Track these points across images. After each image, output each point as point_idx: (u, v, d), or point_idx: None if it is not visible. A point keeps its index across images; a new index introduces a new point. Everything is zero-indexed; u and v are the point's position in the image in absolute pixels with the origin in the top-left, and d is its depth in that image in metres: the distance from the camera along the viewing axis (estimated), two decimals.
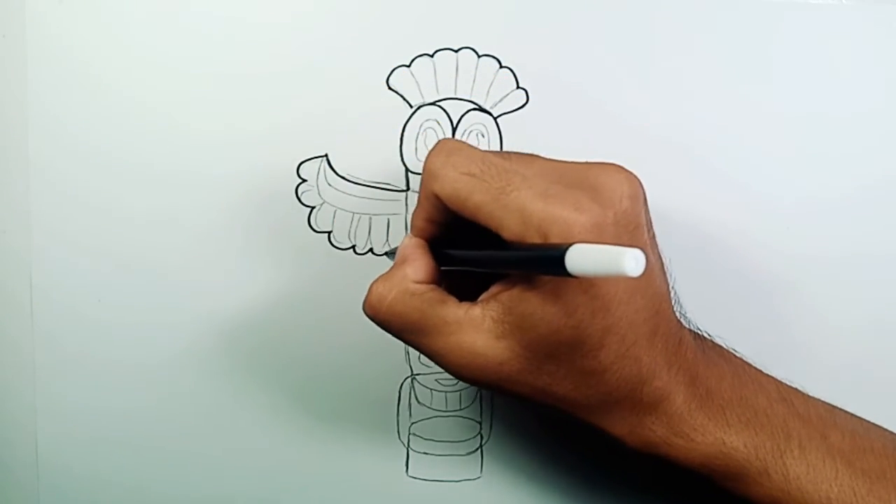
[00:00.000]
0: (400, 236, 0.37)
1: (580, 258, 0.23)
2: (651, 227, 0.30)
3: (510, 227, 0.27)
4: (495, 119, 0.36)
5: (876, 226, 0.38)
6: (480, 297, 0.29)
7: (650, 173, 0.37)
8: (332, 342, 0.37)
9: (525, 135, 0.36)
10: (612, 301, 0.27)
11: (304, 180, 0.36)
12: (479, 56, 0.36)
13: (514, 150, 0.36)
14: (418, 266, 0.30)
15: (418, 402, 0.38)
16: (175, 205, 0.36)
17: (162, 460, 0.38)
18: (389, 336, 0.30)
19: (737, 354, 0.33)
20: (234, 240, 0.36)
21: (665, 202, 0.37)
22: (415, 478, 0.39)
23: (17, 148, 0.35)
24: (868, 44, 0.36)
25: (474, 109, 0.36)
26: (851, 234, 0.38)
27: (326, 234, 0.37)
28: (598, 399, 0.29)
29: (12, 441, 0.38)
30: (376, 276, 0.37)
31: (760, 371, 0.33)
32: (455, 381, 0.38)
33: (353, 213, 0.37)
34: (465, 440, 0.38)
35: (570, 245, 0.24)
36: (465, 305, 0.29)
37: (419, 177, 0.36)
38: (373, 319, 0.30)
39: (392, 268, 0.31)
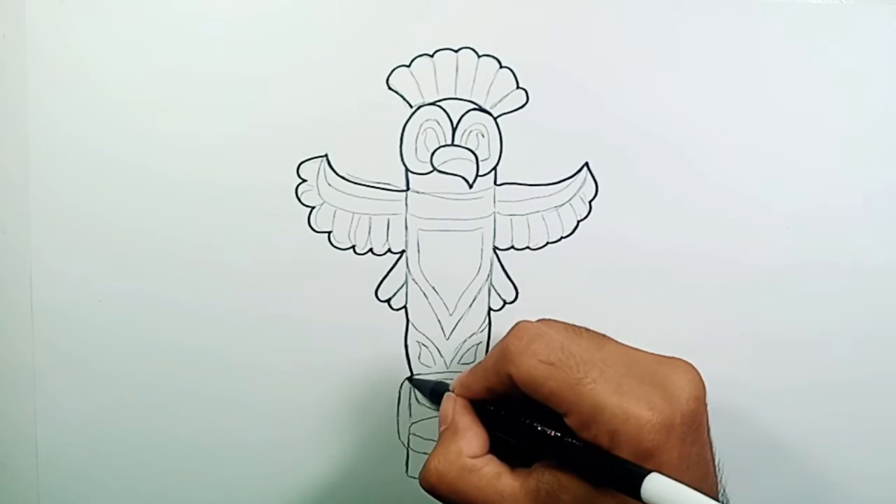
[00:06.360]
0: (400, 236, 0.37)
1: (657, 488, 0.24)
2: (708, 422, 0.31)
3: (579, 414, 0.28)
4: (495, 119, 0.36)
5: (876, 227, 0.38)
6: (535, 466, 0.30)
7: (649, 173, 0.37)
8: (332, 342, 0.37)
9: (525, 135, 0.36)
10: None
11: (304, 180, 0.36)
12: (479, 56, 0.36)
13: (515, 150, 0.36)
14: (472, 439, 0.31)
15: (418, 402, 0.38)
16: (174, 205, 0.36)
17: (162, 461, 0.38)
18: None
19: None
20: (233, 239, 0.36)
21: (664, 201, 0.37)
22: (415, 478, 0.39)
23: (17, 148, 0.35)
24: (868, 44, 0.36)
25: (474, 109, 0.36)
26: (852, 236, 0.38)
27: (326, 234, 0.37)
28: None
29: (12, 441, 0.38)
30: (376, 279, 0.37)
31: None
32: None
33: (353, 213, 0.37)
34: None
35: (648, 472, 0.24)
36: (521, 476, 0.30)
37: (419, 177, 0.36)
38: (430, 494, 0.31)
39: (444, 438, 0.31)
